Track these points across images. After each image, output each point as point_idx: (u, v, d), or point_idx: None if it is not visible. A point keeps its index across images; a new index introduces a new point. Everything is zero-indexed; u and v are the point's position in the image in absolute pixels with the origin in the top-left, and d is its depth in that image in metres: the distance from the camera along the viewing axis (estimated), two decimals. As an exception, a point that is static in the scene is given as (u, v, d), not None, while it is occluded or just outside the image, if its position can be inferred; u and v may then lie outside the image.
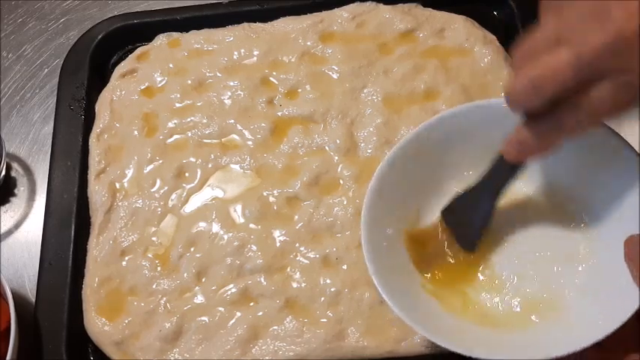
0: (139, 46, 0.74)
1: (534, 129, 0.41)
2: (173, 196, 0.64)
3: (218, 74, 0.70)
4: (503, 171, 0.46)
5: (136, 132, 0.68)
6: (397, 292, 0.47)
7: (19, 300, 0.63)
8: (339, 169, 0.63)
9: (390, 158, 0.51)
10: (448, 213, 0.52)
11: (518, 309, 0.48)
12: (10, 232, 0.68)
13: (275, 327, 0.57)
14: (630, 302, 0.41)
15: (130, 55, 0.73)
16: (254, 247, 0.61)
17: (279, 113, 0.67)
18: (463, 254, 0.51)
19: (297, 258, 0.60)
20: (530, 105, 0.40)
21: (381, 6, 0.71)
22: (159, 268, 0.61)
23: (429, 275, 0.51)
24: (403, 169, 0.52)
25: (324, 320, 0.57)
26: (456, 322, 0.48)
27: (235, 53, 0.70)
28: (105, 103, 0.70)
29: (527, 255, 0.50)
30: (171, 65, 0.71)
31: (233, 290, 0.59)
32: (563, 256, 0.49)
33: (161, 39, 0.73)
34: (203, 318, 0.58)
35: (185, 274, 0.60)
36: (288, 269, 0.59)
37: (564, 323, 0.46)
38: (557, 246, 0.50)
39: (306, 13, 0.72)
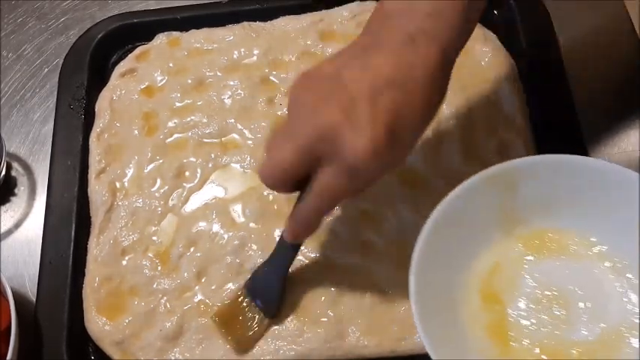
0: (139, 46, 0.74)
1: (294, 214, 0.49)
2: (173, 195, 0.64)
3: (218, 73, 0.70)
4: (286, 250, 0.56)
5: (136, 131, 0.68)
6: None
7: (20, 299, 0.62)
8: (339, 169, 0.63)
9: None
10: (250, 286, 0.58)
11: None
12: (10, 232, 0.68)
13: (275, 326, 0.57)
14: None
15: (129, 55, 0.73)
16: (254, 246, 0.61)
17: (280, 112, 0.67)
18: None
19: (297, 257, 0.60)
20: (277, 189, 0.48)
21: (381, 5, 0.71)
22: (159, 268, 0.61)
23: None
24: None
25: (325, 320, 0.57)
26: None
27: (235, 52, 0.70)
28: (105, 102, 0.70)
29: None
30: (171, 64, 0.71)
31: (233, 289, 0.59)
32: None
33: (161, 38, 0.73)
34: (203, 317, 0.58)
35: (185, 274, 0.60)
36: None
37: None
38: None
39: (306, 12, 0.72)
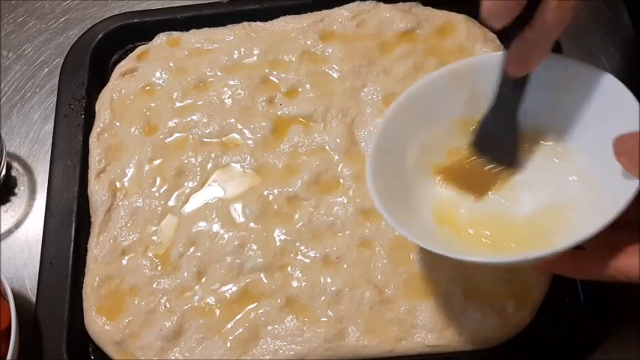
0: (139, 45, 0.74)
1: (524, 41, 0.46)
2: (173, 195, 0.64)
3: (218, 73, 0.70)
4: (510, 91, 0.50)
5: (136, 131, 0.68)
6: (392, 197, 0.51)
7: (20, 299, 0.63)
8: (339, 169, 0.63)
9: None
10: (478, 143, 0.54)
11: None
12: (10, 232, 0.68)
13: (275, 326, 0.57)
14: (627, 190, 0.43)
15: (130, 54, 0.73)
16: (254, 246, 0.61)
17: (280, 112, 0.67)
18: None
19: (298, 257, 0.60)
20: (500, 18, 0.45)
21: (382, 5, 0.71)
22: (159, 268, 0.61)
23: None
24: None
25: (325, 319, 0.57)
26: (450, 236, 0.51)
27: (235, 52, 0.70)
28: (105, 102, 0.70)
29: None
30: (171, 64, 0.71)
31: (233, 289, 0.59)
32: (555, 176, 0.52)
33: (161, 38, 0.73)
34: (203, 317, 0.58)
35: (185, 274, 0.60)
36: (289, 268, 0.59)
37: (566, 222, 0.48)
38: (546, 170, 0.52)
39: (306, 12, 0.72)
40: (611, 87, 0.48)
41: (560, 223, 0.49)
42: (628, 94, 0.46)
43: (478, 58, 0.56)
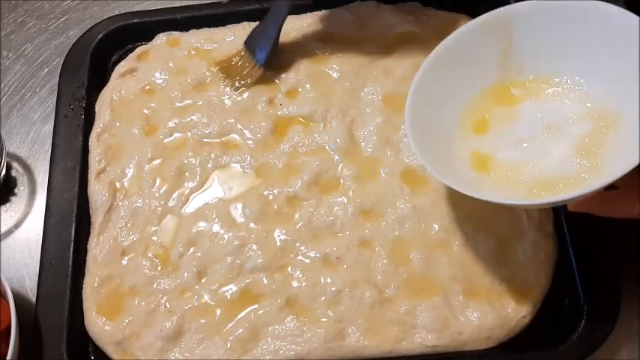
0: (139, 46, 0.74)
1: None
2: (173, 195, 0.64)
3: (218, 73, 0.70)
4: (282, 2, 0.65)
5: (136, 131, 0.68)
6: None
7: (20, 299, 0.63)
8: (339, 169, 0.63)
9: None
10: (249, 41, 0.68)
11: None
12: (10, 232, 0.68)
13: (275, 326, 0.57)
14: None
15: (130, 55, 0.73)
16: (254, 247, 0.61)
17: (280, 112, 0.67)
18: None
19: (298, 257, 0.60)
20: None
21: (382, 5, 0.71)
22: (159, 268, 0.61)
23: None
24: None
25: (325, 319, 0.57)
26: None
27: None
28: (105, 102, 0.70)
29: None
30: (171, 64, 0.71)
31: (233, 289, 0.59)
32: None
33: (161, 38, 0.73)
34: (203, 317, 0.58)
35: (185, 274, 0.60)
36: (289, 268, 0.59)
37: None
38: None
39: (306, 12, 0.72)
40: (625, 24, 0.48)
41: (591, 164, 0.50)
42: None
43: (510, 7, 0.55)
